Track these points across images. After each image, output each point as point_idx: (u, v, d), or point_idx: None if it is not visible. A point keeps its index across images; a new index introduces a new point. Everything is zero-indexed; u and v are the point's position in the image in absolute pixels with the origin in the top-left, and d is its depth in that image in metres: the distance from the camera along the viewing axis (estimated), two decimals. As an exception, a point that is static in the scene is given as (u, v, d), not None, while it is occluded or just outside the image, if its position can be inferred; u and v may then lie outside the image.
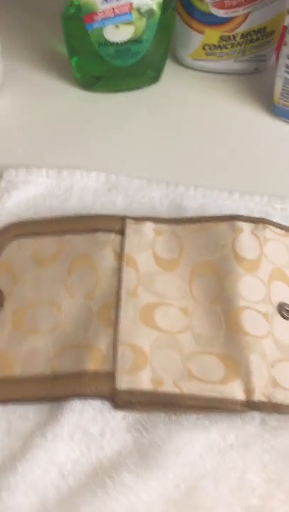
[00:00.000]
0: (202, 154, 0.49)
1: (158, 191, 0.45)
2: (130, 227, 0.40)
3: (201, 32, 0.52)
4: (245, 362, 0.34)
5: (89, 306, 0.37)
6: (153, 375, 0.34)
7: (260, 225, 0.40)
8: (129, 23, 0.47)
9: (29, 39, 0.58)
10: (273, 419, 0.35)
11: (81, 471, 0.32)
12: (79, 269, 0.39)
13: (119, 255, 0.39)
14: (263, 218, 0.41)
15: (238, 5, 0.49)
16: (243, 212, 0.43)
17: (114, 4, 0.46)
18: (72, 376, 0.34)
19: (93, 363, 0.34)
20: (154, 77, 0.54)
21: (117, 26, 0.48)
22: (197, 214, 0.43)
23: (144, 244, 0.40)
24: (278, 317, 0.37)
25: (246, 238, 0.39)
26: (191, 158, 0.49)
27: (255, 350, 0.35)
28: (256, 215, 0.43)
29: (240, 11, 0.50)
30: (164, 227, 0.41)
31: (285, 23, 0.50)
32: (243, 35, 0.52)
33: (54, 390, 0.34)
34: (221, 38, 0.52)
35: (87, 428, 0.34)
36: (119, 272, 0.38)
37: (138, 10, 0.47)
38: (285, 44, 0.47)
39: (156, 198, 0.45)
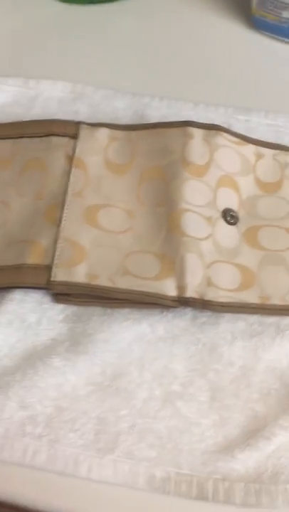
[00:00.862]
0: (175, 66, 0.49)
1: (122, 101, 0.46)
2: (84, 132, 0.41)
3: None
4: (180, 260, 0.35)
5: (37, 206, 0.38)
6: (89, 270, 0.36)
7: (213, 132, 0.40)
8: None
9: None
10: (204, 316, 0.36)
11: (16, 355, 0.35)
12: (30, 171, 0.40)
13: (71, 158, 0.40)
14: (216, 125, 0.41)
15: None
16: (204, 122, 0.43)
17: None
18: (12, 268, 0.36)
19: (33, 257, 0.36)
20: (134, -12, 0.53)
21: None
22: (157, 123, 0.43)
23: (97, 149, 0.40)
24: (222, 221, 0.38)
25: (196, 144, 0.40)
26: (163, 71, 0.49)
27: (192, 250, 0.36)
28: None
29: None
30: (118, 133, 0.41)
31: None
32: None
33: (-6, 280, 0.36)
34: None
35: (26, 317, 0.36)
36: (68, 174, 0.39)
37: None
38: None
39: (120, 108, 0.45)
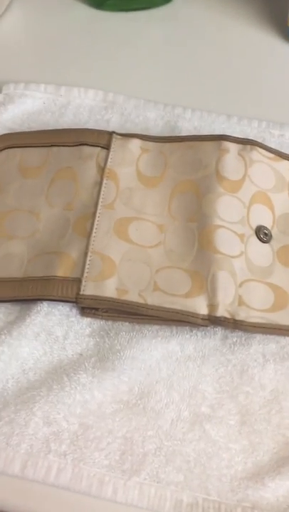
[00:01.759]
0: (208, 78, 0.48)
1: (154, 112, 0.45)
2: (116, 143, 0.40)
3: None
4: (212, 278, 0.35)
5: (67, 217, 0.38)
6: (119, 284, 0.35)
7: (248, 147, 0.39)
8: None
9: None
10: (235, 336, 0.35)
11: (41, 368, 0.34)
12: (61, 181, 0.39)
13: (103, 169, 0.39)
14: (252, 140, 0.40)
15: None
16: (238, 136, 0.43)
17: None
18: (41, 279, 0.35)
19: (63, 269, 0.35)
20: (167, -3, 0.53)
21: None
22: (190, 135, 0.43)
23: (129, 160, 0.40)
24: (255, 239, 0.37)
25: (231, 158, 0.39)
26: (196, 82, 0.48)
27: (224, 267, 0.35)
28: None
29: None
30: (151, 144, 0.41)
31: None
32: None
33: (23, 291, 0.35)
34: None
35: (52, 330, 0.35)
36: (100, 185, 0.38)
37: None
38: None
39: (151, 119, 0.44)
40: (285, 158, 0.41)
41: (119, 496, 0.31)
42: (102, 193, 0.38)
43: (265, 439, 0.32)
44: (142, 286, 0.35)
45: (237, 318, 0.34)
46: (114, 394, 0.33)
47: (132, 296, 0.35)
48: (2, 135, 0.42)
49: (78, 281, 0.35)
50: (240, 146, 0.39)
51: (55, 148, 0.41)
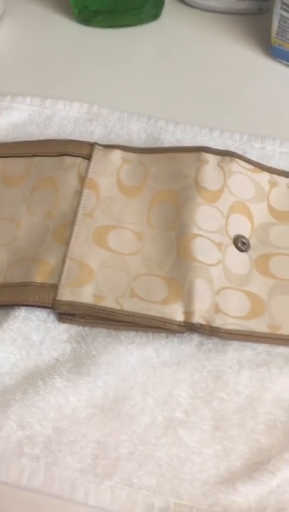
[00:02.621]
0: (192, 92, 0.49)
1: (137, 124, 0.46)
2: (98, 153, 0.41)
3: None
4: (189, 285, 0.35)
5: (47, 225, 0.38)
6: (96, 290, 0.35)
7: (227, 158, 0.40)
8: None
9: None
10: (210, 343, 0.36)
11: (17, 373, 0.34)
12: (42, 190, 0.40)
13: (83, 179, 0.40)
14: (231, 151, 0.40)
15: None
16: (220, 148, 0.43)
17: None
18: (19, 285, 0.36)
19: (40, 276, 0.36)
20: (155, 14, 0.54)
21: None
22: (171, 147, 0.44)
23: (110, 171, 0.40)
24: (232, 248, 0.38)
25: (210, 169, 0.39)
26: (180, 96, 0.49)
27: (201, 275, 0.35)
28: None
29: None
30: (132, 155, 0.41)
31: None
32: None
33: (0, 297, 0.36)
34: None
35: (29, 335, 0.36)
36: (80, 194, 0.39)
37: None
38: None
39: (135, 131, 0.45)
40: (265, 170, 0.41)
41: (90, 499, 0.31)
42: (82, 201, 0.39)
43: (239, 444, 0.32)
44: (119, 293, 0.35)
45: (213, 324, 0.34)
46: (89, 398, 0.33)
47: (109, 303, 0.35)
48: (-14, 145, 0.43)
49: (55, 287, 0.35)
50: (219, 157, 0.40)
51: (37, 159, 0.41)
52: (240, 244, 0.38)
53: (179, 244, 0.37)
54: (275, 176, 0.41)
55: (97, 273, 0.36)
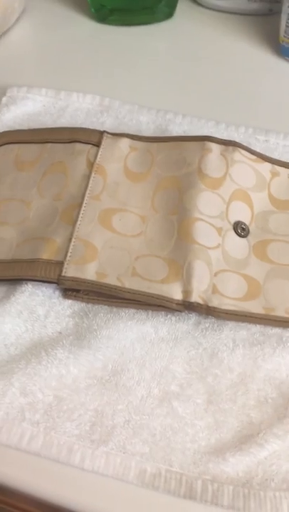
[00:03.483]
0: (201, 87, 0.51)
1: (147, 116, 0.47)
2: (106, 141, 0.43)
3: None
4: (188, 266, 0.36)
5: (55, 206, 0.40)
6: (99, 268, 0.37)
7: (230, 148, 0.42)
8: None
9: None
10: (207, 322, 0.37)
11: (22, 344, 0.36)
12: (52, 174, 0.42)
13: (92, 164, 0.42)
14: (234, 141, 0.42)
15: None
16: (224, 140, 0.45)
17: None
18: (26, 261, 0.38)
19: (48, 253, 0.38)
20: (168, 13, 0.56)
21: None
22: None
23: (117, 157, 0.42)
24: (232, 233, 0.39)
25: (213, 158, 0.41)
26: (190, 91, 0.51)
27: (200, 257, 0.37)
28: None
29: None
30: (139, 143, 0.43)
31: None
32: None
33: (9, 271, 0.37)
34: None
35: (35, 309, 0.37)
36: (88, 178, 0.41)
37: None
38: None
39: (144, 122, 0.47)
40: (267, 161, 0.43)
41: (86, 463, 0.32)
42: (89, 185, 0.40)
43: (230, 418, 0.34)
44: (120, 271, 0.37)
45: (210, 304, 0.36)
46: (89, 370, 0.35)
47: (111, 280, 0.37)
48: (2, 132, 0.45)
49: (61, 264, 0.37)
50: (223, 146, 0.42)
51: (49, 145, 0.43)
52: (240, 229, 0.39)
53: (180, 227, 0.38)
54: (277, 167, 0.42)
55: (100, 252, 0.38)
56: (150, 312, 0.37)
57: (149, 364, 0.35)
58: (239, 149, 0.42)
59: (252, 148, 0.44)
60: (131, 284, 0.36)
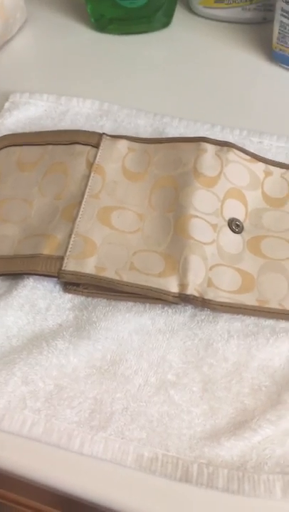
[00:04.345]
0: (197, 92, 0.53)
1: (144, 119, 0.49)
2: (105, 142, 0.44)
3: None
4: (184, 261, 0.38)
5: (56, 205, 0.42)
6: (98, 263, 0.38)
7: (225, 148, 0.43)
8: None
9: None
10: (203, 314, 0.38)
11: (24, 336, 0.37)
12: (53, 174, 0.43)
13: (91, 164, 0.43)
14: (229, 142, 0.43)
15: None
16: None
17: None
18: (28, 257, 0.39)
19: (48, 249, 0.39)
20: (165, 22, 0.58)
21: None
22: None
23: (116, 158, 0.44)
24: (227, 229, 0.40)
25: (208, 157, 0.42)
26: (187, 97, 0.52)
27: (195, 252, 0.38)
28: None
29: None
30: (137, 145, 0.45)
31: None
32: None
33: (11, 266, 0.39)
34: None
35: (36, 302, 0.39)
36: (87, 178, 0.42)
37: None
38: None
39: (141, 125, 0.49)
40: (261, 161, 0.44)
41: (85, 448, 0.33)
42: (89, 184, 0.42)
43: (225, 405, 0.35)
44: (119, 265, 0.38)
45: (206, 297, 0.37)
46: (88, 360, 0.36)
47: (110, 273, 0.38)
48: (4, 135, 0.47)
49: (61, 258, 0.38)
50: (217, 147, 0.43)
51: (50, 147, 0.45)
52: (234, 226, 0.41)
53: (177, 223, 0.40)
54: (270, 167, 0.44)
55: (99, 247, 0.39)
56: (147, 305, 0.38)
57: (147, 354, 0.37)
58: (233, 150, 0.43)
59: (246, 149, 0.46)
60: (129, 277, 0.38)
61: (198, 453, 0.33)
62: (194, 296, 0.37)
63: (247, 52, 0.56)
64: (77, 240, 0.39)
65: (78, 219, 0.40)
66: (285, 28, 0.51)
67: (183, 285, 0.37)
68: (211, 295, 0.37)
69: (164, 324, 0.38)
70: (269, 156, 0.46)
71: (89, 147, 0.44)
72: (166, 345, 0.37)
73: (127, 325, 0.37)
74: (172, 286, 0.37)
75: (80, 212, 0.40)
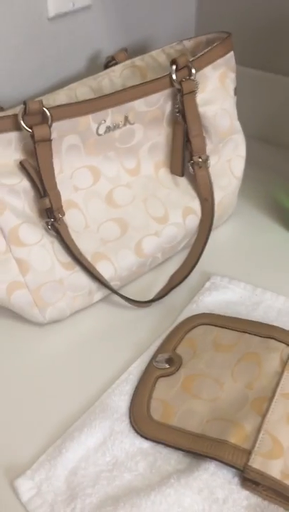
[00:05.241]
0: None
1: None
2: (302, 347, 0.46)
3: None
4: None
5: (246, 394, 0.43)
6: (284, 468, 0.38)
7: None
8: None
9: (263, 190, 0.71)
10: None
11: (197, 522, 0.37)
12: (247, 362, 0.45)
13: (285, 363, 0.45)
14: None
15: None
16: None
17: None
18: (214, 440, 0.40)
19: (236, 437, 0.40)
20: None
21: None
22: None
23: None
24: None
25: None
26: None
27: None
28: None
29: None
30: None
31: None
32: None
33: (198, 446, 0.40)
34: None
35: (215, 490, 0.39)
36: (280, 375, 0.44)
37: None
38: None
39: None
40: None
41: None
42: (281, 382, 0.43)
43: None
44: (305, 476, 0.38)
45: None
46: None
47: (294, 483, 0.37)
48: (205, 313, 0.50)
49: (248, 452, 0.39)
50: None
51: (247, 335, 0.48)
52: None
53: None
54: None
55: (286, 451, 0.39)
56: None
57: None
58: None
59: None
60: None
61: None
62: None
63: None
64: (265, 438, 0.40)
65: (268, 415, 0.41)
66: None
67: None
68: None
69: None
70: None
71: (284, 345, 0.46)
72: None
73: None
74: None
75: (271, 409, 0.41)
